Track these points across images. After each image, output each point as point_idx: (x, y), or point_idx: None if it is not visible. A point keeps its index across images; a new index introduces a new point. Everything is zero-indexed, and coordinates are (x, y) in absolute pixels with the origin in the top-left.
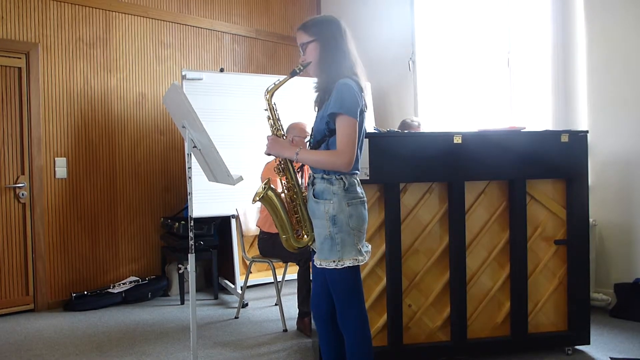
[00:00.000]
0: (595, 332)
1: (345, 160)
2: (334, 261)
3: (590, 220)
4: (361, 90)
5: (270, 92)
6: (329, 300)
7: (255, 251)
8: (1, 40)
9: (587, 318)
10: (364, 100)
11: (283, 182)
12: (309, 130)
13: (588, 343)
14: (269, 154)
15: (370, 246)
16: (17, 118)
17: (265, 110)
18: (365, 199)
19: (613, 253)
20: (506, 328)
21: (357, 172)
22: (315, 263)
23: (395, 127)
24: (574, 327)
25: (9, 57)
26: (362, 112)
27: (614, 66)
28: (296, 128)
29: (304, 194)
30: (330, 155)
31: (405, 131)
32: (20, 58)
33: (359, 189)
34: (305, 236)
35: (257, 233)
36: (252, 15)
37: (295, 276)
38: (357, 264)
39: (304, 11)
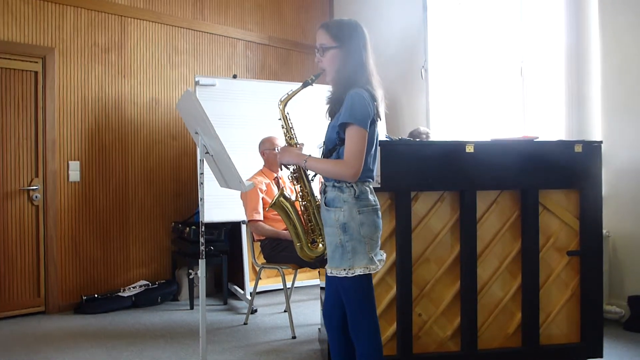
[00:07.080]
0: (609, 345)
1: (352, 171)
2: (345, 269)
3: (604, 231)
4: (373, 99)
5: (284, 102)
6: (340, 309)
7: None
8: (18, 45)
9: (601, 330)
10: (377, 109)
11: (297, 190)
12: (278, 143)
13: (601, 356)
14: (282, 164)
15: (384, 254)
16: (32, 121)
17: (279, 119)
18: (378, 206)
19: (627, 265)
20: (517, 339)
21: (369, 180)
22: (326, 271)
23: (406, 136)
24: (586, 339)
25: (26, 61)
26: (374, 122)
27: (627, 75)
28: (266, 142)
29: (317, 203)
30: (336, 164)
31: (417, 140)
32: (36, 62)
33: (372, 197)
34: (320, 245)
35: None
36: (265, 22)
37: (304, 283)
38: (368, 272)
39: (316, 18)
